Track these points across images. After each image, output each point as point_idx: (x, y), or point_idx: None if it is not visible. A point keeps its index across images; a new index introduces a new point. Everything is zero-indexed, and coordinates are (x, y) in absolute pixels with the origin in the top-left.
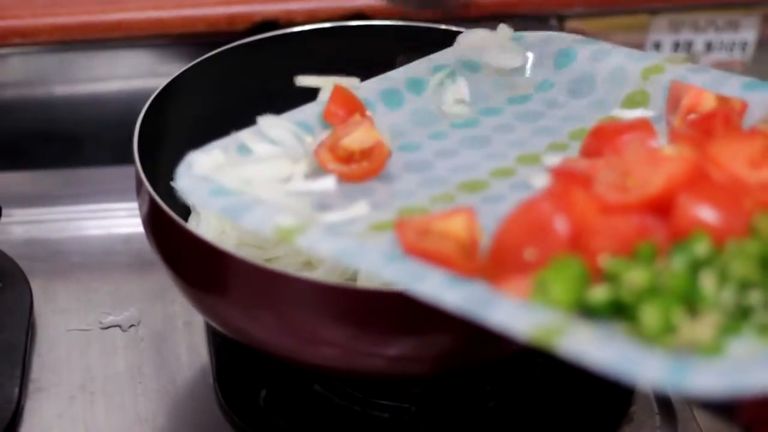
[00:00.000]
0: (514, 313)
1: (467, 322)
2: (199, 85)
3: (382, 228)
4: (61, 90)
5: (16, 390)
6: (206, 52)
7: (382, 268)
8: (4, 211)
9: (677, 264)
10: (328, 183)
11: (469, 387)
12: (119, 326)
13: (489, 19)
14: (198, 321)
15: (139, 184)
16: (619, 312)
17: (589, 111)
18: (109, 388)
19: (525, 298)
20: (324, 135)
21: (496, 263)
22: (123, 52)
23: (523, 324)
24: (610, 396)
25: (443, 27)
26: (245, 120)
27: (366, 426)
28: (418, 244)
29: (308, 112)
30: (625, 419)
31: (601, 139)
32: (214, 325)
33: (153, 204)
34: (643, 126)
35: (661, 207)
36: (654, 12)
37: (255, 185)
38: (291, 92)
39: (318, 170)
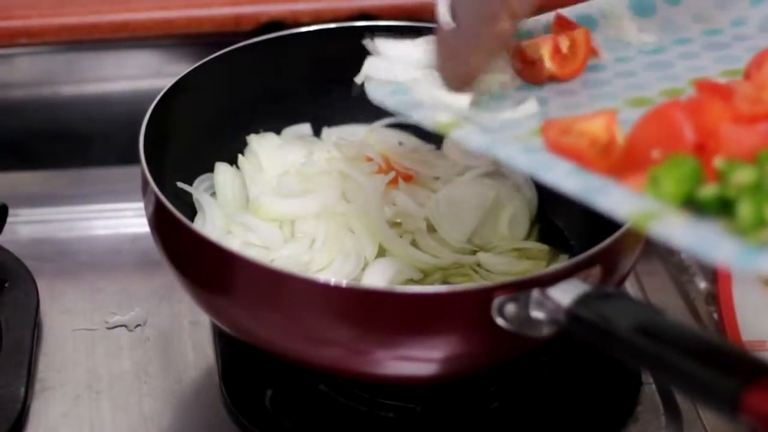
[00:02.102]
0: (621, 200)
1: (470, 323)
2: (205, 85)
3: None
4: (68, 90)
5: (22, 389)
6: (213, 53)
7: (516, 157)
8: (11, 211)
9: None
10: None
11: (474, 387)
12: (125, 326)
13: None
14: (204, 321)
15: (145, 184)
16: (725, 210)
17: None
18: (114, 388)
19: (639, 190)
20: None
21: (627, 162)
22: (130, 52)
23: (626, 208)
24: (616, 396)
25: None
26: (251, 120)
27: (371, 426)
28: (558, 140)
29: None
30: (631, 419)
31: (758, 62)
32: (219, 325)
33: (159, 204)
34: None
35: None
36: None
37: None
38: (297, 92)
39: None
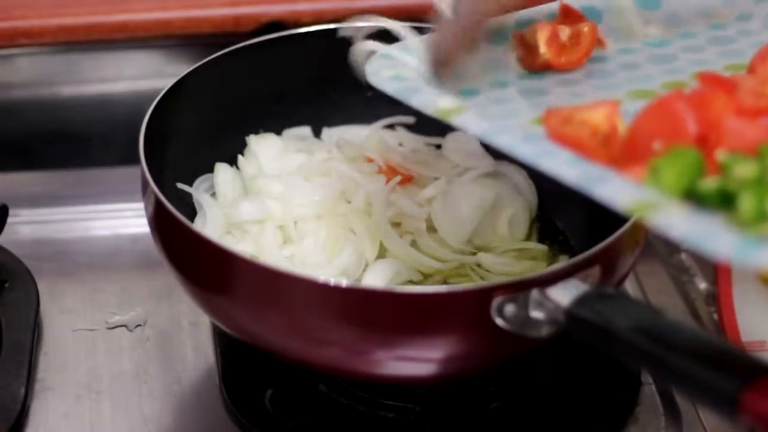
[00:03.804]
0: (620, 189)
1: (470, 323)
2: (205, 85)
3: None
4: (68, 90)
5: (22, 389)
6: (213, 53)
7: (516, 145)
8: (11, 211)
9: None
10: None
11: (474, 388)
12: (125, 326)
13: None
14: (204, 321)
15: (145, 184)
16: (726, 203)
17: None
18: (115, 388)
19: (639, 181)
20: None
21: (628, 153)
22: (129, 52)
23: (625, 198)
24: (616, 396)
25: None
26: (251, 120)
27: (371, 426)
28: (559, 129)
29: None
30: (631, 419)
31: (763, 56)
32: (219, 325)
33: (159, 204)
34: None
35: None
36: None
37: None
38: (297, 93)
39: None
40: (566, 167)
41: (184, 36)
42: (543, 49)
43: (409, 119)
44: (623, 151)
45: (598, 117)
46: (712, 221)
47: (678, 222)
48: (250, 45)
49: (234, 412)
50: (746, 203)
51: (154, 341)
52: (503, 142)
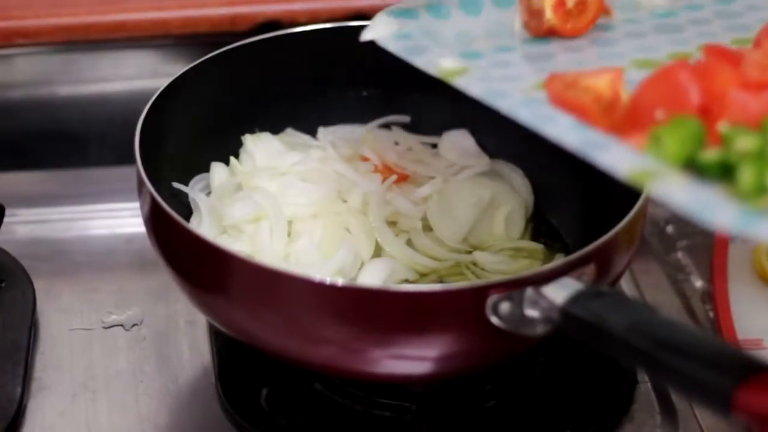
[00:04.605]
0: (621, 157)
1: (465, 322)
2: (201, 85)
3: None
4: (65, 90)
5: (19, 389)
6: (209, 53)
7: (518, 108)
8: (8, 211)
9: None
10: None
11: (470, 386)
12: (122, 325)
13: None
14: (200, 320)
15: (141, 184)
16: (725, 175)
17: None
18: (111, 387)
19: (640, 149)
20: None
21: (630, 120)
22: (126, 52)
23: (625, 166)
24: (611, 394)
25: None
26: (247, 120)
27: (367, 425)
28: (562, 94)
29: None
30: (626, 418)
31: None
32: (215, 324)
33: (154, 204)
34: None
35: None
36: None
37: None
38: (293, 92)
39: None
40: (567, 132)
41: (181, 36)
42: (549, 14)
43: (405, 118)
44: (625, 119)
45: (601, 83)
46: (712, 192)
47: (677, 191)
48: (245, 44)
49: (230, 410)
50: (746, 176)
51: (151, 340)
52: (504, 105)
